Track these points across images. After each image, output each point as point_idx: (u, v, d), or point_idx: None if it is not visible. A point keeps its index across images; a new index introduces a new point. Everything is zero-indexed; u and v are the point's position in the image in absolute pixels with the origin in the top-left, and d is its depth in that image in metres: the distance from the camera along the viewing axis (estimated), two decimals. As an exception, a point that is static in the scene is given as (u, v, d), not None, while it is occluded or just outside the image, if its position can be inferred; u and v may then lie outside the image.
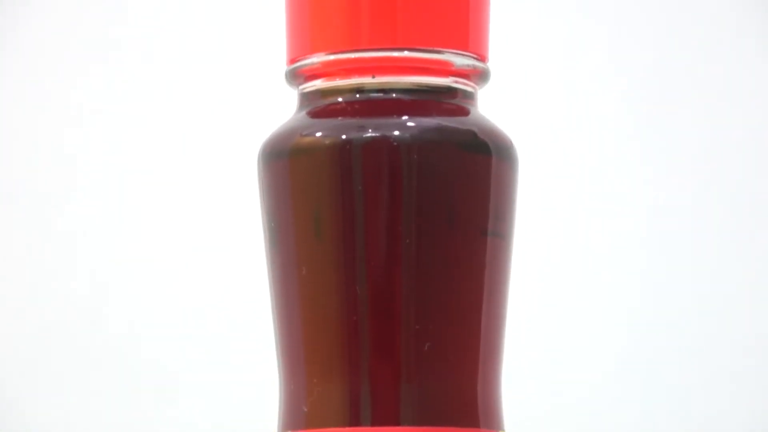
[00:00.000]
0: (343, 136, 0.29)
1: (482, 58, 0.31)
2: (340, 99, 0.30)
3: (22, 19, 0.57)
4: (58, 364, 0.54)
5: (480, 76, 0.31)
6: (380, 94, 0.30)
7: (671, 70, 0.54)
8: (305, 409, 0.30)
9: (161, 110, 0.55)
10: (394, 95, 0.30)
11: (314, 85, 0.31)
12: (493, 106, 0.33)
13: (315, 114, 0.31)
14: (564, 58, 0.54)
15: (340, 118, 0.30)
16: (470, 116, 0.31)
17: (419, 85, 0.30)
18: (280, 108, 0.33)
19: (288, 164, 0.30)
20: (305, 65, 0.31)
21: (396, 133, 0.29)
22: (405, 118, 0.30)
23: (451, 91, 0.31)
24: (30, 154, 0.56)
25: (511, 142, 0.31)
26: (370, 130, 0.29)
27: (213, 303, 0.54)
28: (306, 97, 0.31)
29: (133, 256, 0.55)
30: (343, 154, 0.29)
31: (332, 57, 0.30)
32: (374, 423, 0.29)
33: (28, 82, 0.56)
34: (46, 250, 0.55)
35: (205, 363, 0.54)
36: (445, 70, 0.30)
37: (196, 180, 0.55)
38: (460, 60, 0.31)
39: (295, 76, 0.31)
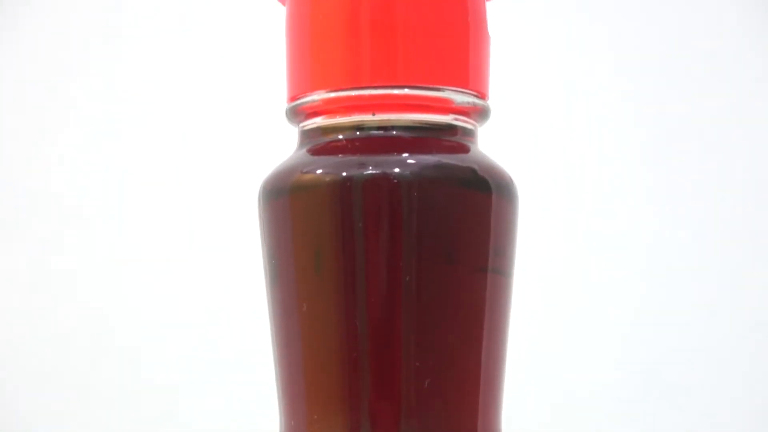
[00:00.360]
0: (344, 174, 0.29)
1: (482, 96, 0.31)
2: (340, 136, 0.30)
3: (22, 19, 0.56)
4: (59, 371, 0.55)
5: (480, 113, 0.31)
6: (380, 132, 0.30)
7: (673, 96, 0.54)
8: (306, 446, 0.30)
9: (160, 133, 0.55)
10: (394, 132, 0.30)
11: (315, 123, 0.31)
12: (494, 143, 0.33)
13: (316, 151, 0.31)
14: (565, 93, 0.54)
15: (340, 155, 0.30)
16: (470, 153, 0.31)
17: (419, 122, 0.30)
18: (280, 146, 0.33)
19: (289, 201, 0.30)
20: (306, 103, 0.31)
21: (396, 170, 0.29)
22: (405, 155, 0.30)
23: (451, 129, 0.31)
24: (29, 155, 0.56)
25: (511, 179, 0.31)
26: (370, 168, 0.29)
27: (216, 314, 0.54)
28: (306, 135, 0.31)
29: (136, 262, 0.55)
30: (343, 191, 0.29)
31: (333, 94, 0.30)
32: (375, 459, 0.29)
33: (27, 82, 0.56)
34: (46, 260, 0.55)
35: (208, 374, 0.54)
36: (445, 107, 0.30)
37: (195, 197, 0.55)
38: (460, 97, 0.30)
39: (296, 114, 0.31)
